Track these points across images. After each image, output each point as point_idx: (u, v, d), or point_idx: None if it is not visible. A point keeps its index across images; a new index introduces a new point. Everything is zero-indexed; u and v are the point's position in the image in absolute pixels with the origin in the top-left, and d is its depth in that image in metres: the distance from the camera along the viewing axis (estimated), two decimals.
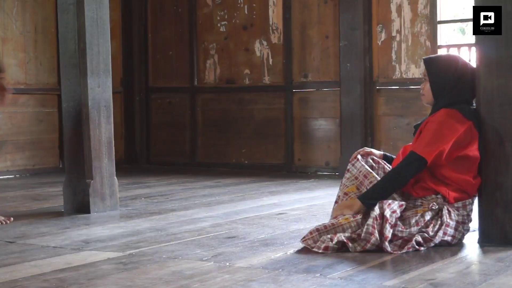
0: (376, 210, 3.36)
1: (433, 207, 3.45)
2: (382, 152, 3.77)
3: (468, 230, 3.56)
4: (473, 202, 3.55)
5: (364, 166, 3.61)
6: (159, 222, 4.35)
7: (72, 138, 4.86)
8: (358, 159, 3.66)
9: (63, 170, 5.51)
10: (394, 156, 3.76)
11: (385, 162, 3.70)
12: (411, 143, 3.62)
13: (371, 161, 3.66)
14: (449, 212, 3.46)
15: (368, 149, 3.73)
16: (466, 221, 3.53)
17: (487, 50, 3.47)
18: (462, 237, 3.53)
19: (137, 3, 8.50)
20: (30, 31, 7.54)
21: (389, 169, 3.63)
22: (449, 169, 3.47)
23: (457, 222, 3.48)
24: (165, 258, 3.28)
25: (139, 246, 3.57)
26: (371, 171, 3.59)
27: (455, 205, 3.49)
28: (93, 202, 4.76)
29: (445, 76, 3.54)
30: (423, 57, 3.70)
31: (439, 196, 3.49)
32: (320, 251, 3.30)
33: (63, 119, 4.97)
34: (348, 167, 3.67)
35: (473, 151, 3.47)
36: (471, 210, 3.55)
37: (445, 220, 3.42)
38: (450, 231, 3.44)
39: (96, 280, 2.84)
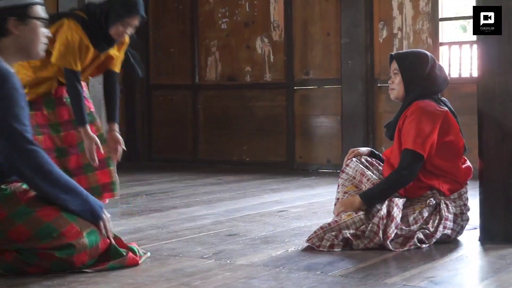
0: (384, 209, 3.35)
1: (430, 203, 3.46)
2: (369, 149, 3.80)
3: (467, 220, 3.56)
4: (466, 190, 3.59)
5: (359, 165, 3.63)
6: (160, 220, 4.34)
7: None
8: (352, 160, 3.66)
9: None
10: (380, 154, 3.78)
11: (378, 161, 3.71)
12: (391, 147, 3.64)
13: (365, 161, 3.67)
14: (447, 206, 3.47)
15: (354, 149, 3.76)
16: (464, 211, 3.54)
17: (488, 47, 3.47)
18: (461, 229, 3.54)
19: None
20: None
21: (382, 169, 3.64)
22: (438, 158, 3.49)
23: (454, 214, 3.49)
24: (166, 256, 3.28)
25: (140, 243, 3.56)
26: (366, 170, 3.61)
27: (451, 197, 3.52)
28: None
29: (417, 70, 3.58)
30: (391, 53, 3.73)
31: (434, 191, 3.50)
32: (326, 250, 3.30)
33: None
34: (342, 169, 3.68)
35: (455, 136, 3.52)
36: (467, 198, 3.58)
37: (443, 214, 3.43)
38: (449, 224, 3.46)
39: (97, 278, 2.84)
